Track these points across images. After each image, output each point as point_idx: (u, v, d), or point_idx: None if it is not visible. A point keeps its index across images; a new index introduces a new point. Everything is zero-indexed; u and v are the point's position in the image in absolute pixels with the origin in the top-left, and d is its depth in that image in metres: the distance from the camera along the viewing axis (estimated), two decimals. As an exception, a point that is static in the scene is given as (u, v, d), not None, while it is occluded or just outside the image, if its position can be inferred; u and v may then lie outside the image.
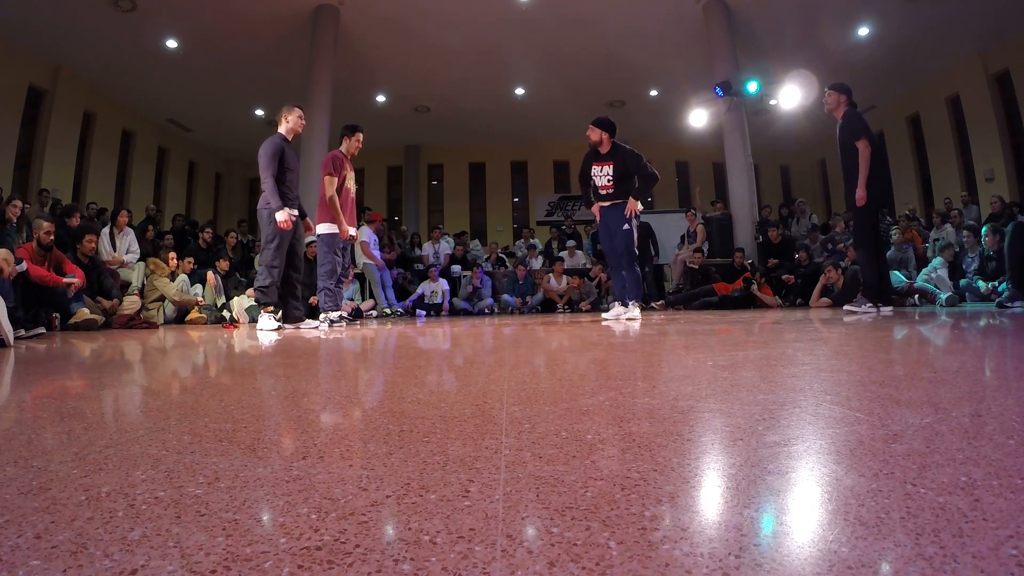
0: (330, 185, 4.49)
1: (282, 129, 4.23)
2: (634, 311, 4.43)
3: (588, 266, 9.12)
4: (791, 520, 0.46)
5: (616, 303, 4.64)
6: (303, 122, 4.34)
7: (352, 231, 4.70)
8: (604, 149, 4.46)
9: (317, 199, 4.65)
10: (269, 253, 4.08)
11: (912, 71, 10.10)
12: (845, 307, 4.71)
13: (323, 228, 4.56)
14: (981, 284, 5.76)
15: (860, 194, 4.23)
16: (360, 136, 4.77)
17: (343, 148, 4.71)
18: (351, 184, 4.72)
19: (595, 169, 4.52)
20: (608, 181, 4.44)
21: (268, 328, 4.00)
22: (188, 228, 9.17)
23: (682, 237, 9.24)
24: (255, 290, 4.29)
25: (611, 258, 4.65)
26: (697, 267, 7.90)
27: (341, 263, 4.65)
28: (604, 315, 4.72)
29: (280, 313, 4.30)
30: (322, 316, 4.54)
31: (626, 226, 4.39)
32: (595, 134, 4.46)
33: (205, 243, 7.82)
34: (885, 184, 4.43)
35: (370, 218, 7.92)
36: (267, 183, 4.04)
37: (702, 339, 2.39)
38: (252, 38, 9.03)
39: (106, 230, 6.49)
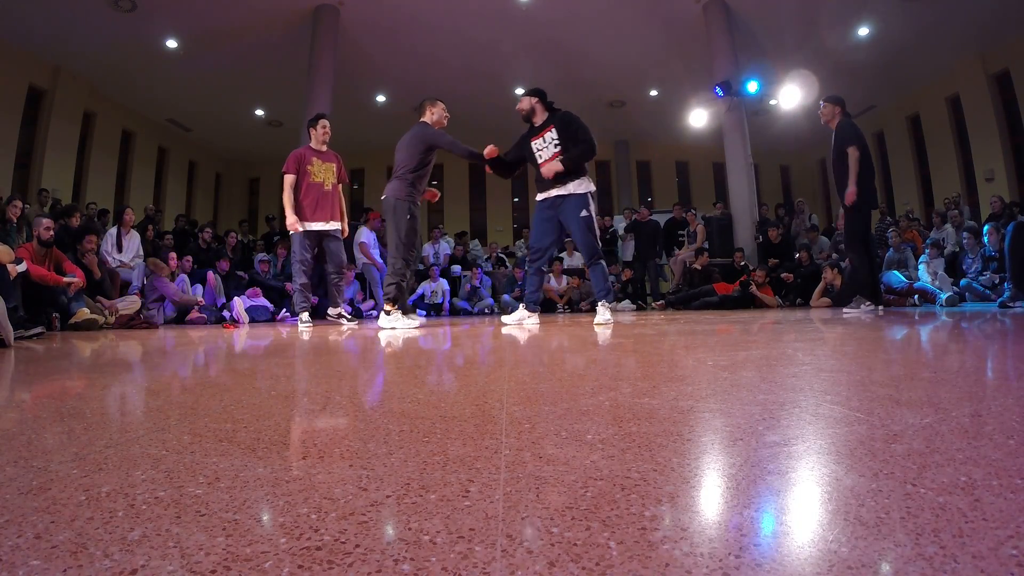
0: (286, 183, 4.48)
1: (427, 119, 4.13)
2: (605, 313, 3.79)
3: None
4: (791, 520, 0.46)
5: (521, 306, 4.05)
6: (447, 115, 4.24)
7: (321, 226, 4.59)
8: (538, 118, 3.94)
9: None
10: (404, 247, 3.96)
11: (912, 71, 10.10)
12: (844, 310, 4.78)
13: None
14: (983, 278, 5.80)
15: (851, 190, 4.48)
16: (324, 123, 4.72)
17: (311, 142, 4.68)
18: (321, 177, 4.61)
19: (536, 144, 3.90)
20: (556, 147, 3.80)
21: (409, 326, 3.86)
22: (188, 228, 9.19)
23: (675, 233, 9.32)
24: (388, 284, 3.98)
25: (540, 252, 3.97)
26: (700, 268, 7.91)
27: (309, 260, 4.57)
28: (504, 319, 4.11)
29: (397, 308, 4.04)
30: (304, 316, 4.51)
31: (584, 212, 3.77)
32: (525, 103, 3.95)
33: (205, 243, 7.84)
34: (871, 187, 4.63)
35: (368, 218, 7.93)
36: (460, 149, 3.93)
37: (702, 339, 2.39)
38: (252, 38, 9.04)
39: (112, 230, 6.51)
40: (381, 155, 13.94)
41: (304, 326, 4.34)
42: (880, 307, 4.67)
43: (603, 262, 3.91)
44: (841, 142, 4.57)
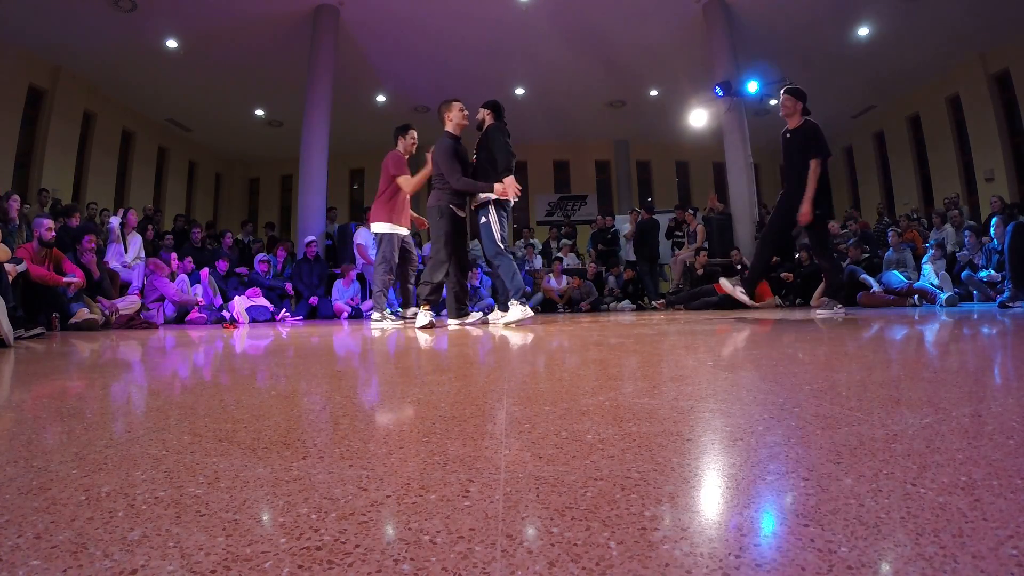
0: (407, 181, 4.55)
1: (449, 128, 4.17)
2: (514, 312, 3.93)
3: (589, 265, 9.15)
4: (791, 520, 0.46)
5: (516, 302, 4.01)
6: (465, 113, 4.23)
7: (403, 231, 4.77)
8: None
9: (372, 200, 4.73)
10: (440, 250, 4.02)
11: (912, 71, 10.10)
12: (817, 310, 4.57)
13: (382, 228, 4.62)
14: (984, 273, 5.79)
15: (806, 209, 4.00)
16: (413, 133, 4.81)
17: (399, 148, 4.74)
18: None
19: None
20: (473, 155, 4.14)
21: (422, 324, 3.94)
22: (188, 228, 9.19)
23: (668, 233, 9.37)
24: (422, 284, 4.11)
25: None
26: (700, 269, 7.91)
27: (395, 261, 4.69)
28: (492, 318, 4.20)
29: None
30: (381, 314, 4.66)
31: (483, 219, 4.02)
32: (480, 114, 4.18)
33: (199, 243, 7.86)
34: (829, 200, 4.26)
35: (367, 218, 7.93)
36: (457, 181, 3.93)
37: (702, 339, 2.39)
38: (252, 38, 9.04)
39: (114, 224, 6.54)
40: (381, 155, 13.87)
41: (376, 324, 4.51)
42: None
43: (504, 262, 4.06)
44: (805, 150, 4.07)
